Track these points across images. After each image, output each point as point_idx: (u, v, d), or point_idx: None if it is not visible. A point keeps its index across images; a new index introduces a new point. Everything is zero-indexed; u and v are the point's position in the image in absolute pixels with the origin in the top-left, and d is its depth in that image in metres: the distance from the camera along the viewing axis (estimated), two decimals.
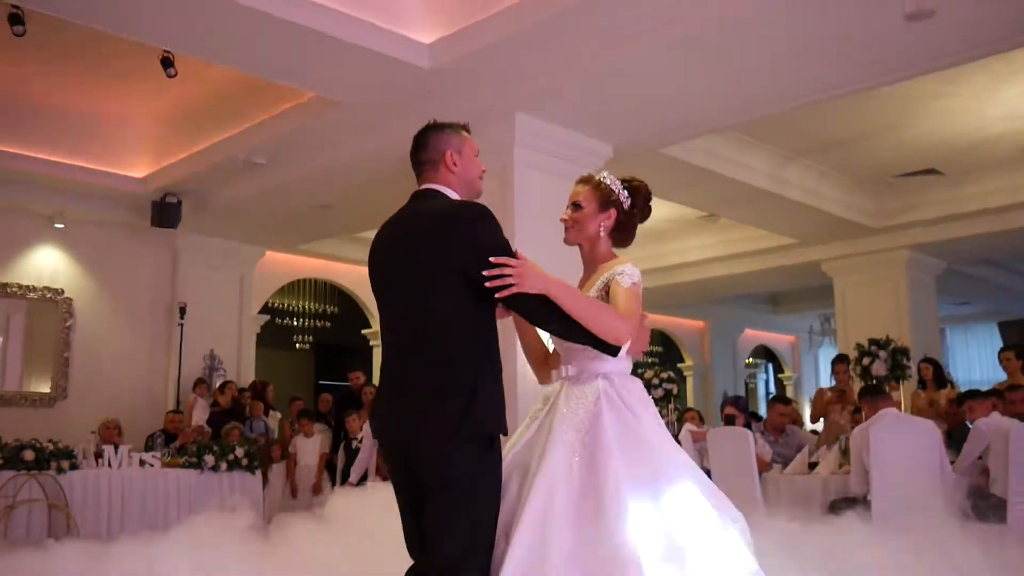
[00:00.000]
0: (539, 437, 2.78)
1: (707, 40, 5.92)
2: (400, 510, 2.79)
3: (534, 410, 2.94)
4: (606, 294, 2.84)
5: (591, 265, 3.03)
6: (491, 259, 2.56)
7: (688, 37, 5.86)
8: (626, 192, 3.03)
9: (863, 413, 6.68)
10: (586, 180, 3.07)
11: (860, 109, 8.22)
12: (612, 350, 2.68)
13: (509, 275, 2.56)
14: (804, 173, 9.96)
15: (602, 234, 3.01)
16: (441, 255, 2.63)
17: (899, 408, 6.55)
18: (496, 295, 2.59)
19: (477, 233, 2.62)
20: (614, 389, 2.78)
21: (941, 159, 9.73)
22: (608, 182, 3.03)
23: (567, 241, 3.08)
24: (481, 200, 2.89)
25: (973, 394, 6.93)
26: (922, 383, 8.93)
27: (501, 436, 2.70)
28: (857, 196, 10.83)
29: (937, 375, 8.78)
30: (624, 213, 3.03)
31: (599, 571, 2.44)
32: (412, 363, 2.69)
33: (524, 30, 5.89)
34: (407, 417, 2.66)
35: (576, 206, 3.03)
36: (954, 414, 7.72)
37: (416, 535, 2.71)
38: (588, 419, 2.72)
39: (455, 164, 2.85)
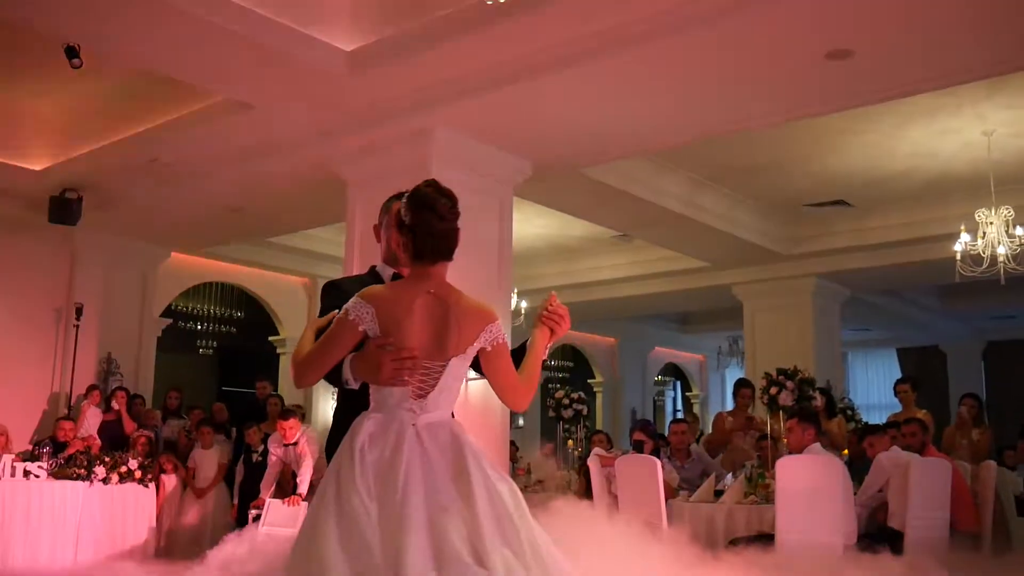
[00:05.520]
0: None
1: (630, 72, 5.96)
2: None
3: None
4: None
5: None
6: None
7: (610, 68, 5.88)
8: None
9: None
10: None
11: (775, 140, 8.35)
12: (336, 383, 2.69)
13: None
14: (718, 199, 10.08)
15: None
16: None
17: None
18: None
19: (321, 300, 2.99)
20: (349, 429, 2.56)
21: (850, 191, 9.98)
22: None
23: None
24: None
25: (873, 429, 7.07)
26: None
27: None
28: (769, 223, 11.02)
29: (828, 405, 8.73)
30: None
31: None
32: None
33: (444, 45, 5.80)
34: None
35: None
36: (853, 444, 7.85)
37: None
38: None
39: (379, 239, 3.11)
